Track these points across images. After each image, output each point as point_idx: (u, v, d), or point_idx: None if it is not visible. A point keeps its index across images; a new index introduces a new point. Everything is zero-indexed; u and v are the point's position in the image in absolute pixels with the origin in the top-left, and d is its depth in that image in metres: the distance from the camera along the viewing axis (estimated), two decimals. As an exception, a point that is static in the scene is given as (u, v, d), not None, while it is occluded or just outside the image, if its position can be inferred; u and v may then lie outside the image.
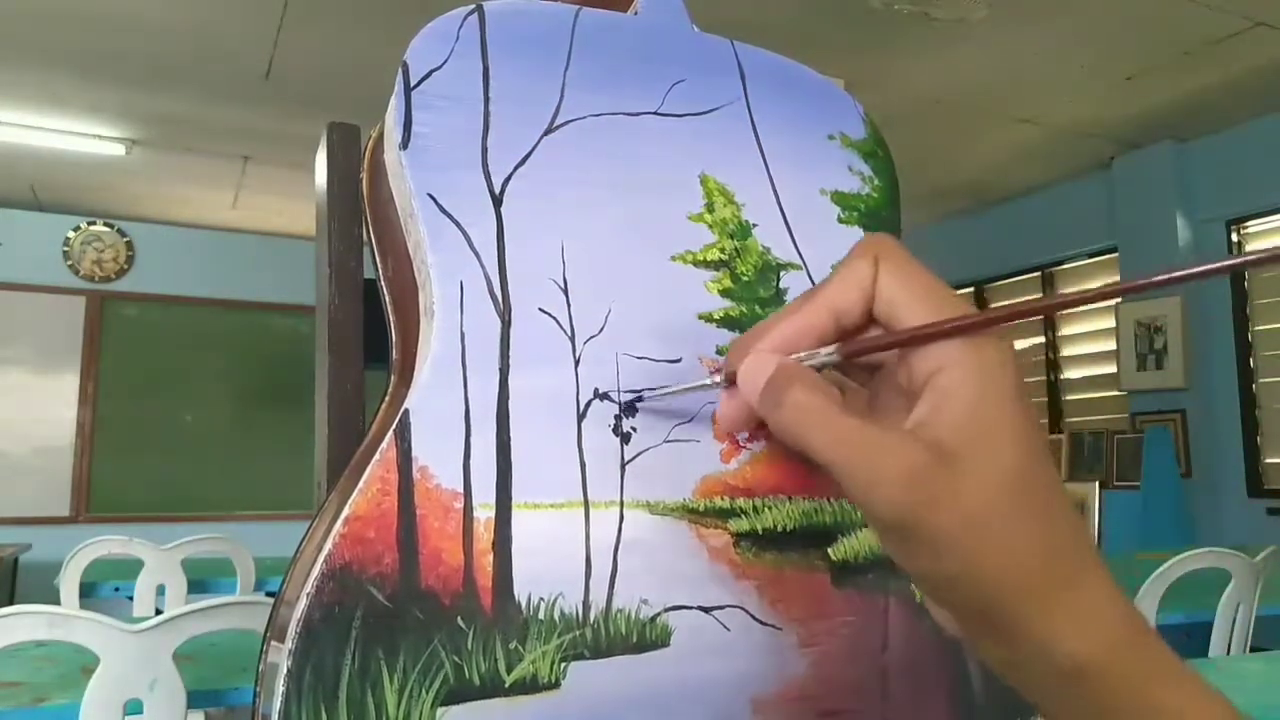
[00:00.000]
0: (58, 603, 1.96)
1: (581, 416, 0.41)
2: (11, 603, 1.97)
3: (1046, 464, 0.29)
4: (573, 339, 0.42)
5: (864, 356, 0.32)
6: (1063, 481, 0.31)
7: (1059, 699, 0.29)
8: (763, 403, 0.31)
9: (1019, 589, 0.27)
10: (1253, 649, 1.84)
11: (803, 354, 0.32)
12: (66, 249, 4.80)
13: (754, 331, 0.34)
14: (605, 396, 0.42)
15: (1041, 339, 4.53)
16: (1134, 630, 0.28)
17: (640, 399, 0.42)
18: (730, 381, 0.35)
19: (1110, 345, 4.10)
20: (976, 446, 0.28)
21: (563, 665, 0.38)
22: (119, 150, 3.95)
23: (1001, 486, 0.28)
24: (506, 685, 0.37)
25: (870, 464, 0.28)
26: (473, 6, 0.45)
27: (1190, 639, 1.87)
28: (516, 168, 0.43)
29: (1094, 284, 4.33)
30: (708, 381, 0.37)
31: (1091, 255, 4.29)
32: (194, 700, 1.20)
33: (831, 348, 0.32)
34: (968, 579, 0.28)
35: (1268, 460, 3.64)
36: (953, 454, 0.28)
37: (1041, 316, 0.30)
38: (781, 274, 0.49)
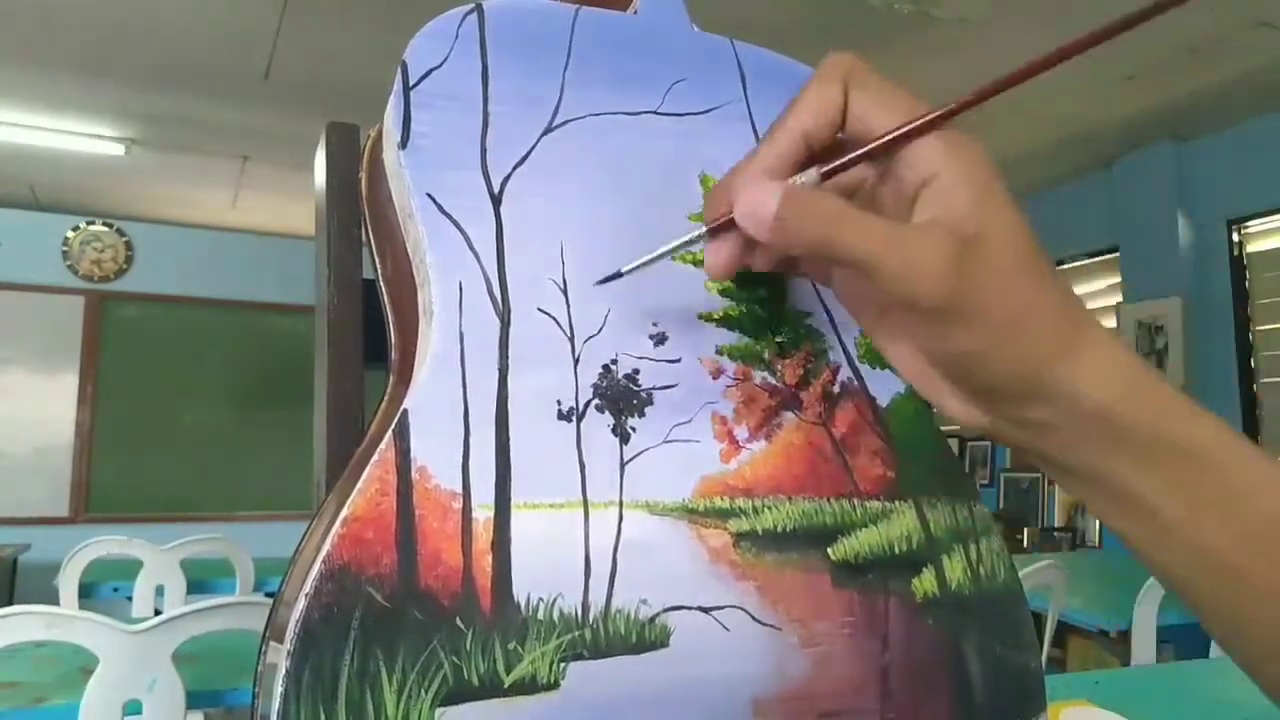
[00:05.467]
0: (57, 603, 1.96)
1: (581, 417, 0.41)
2: (10, 603, 1.97)
3: (1037, 239, 0.32)
4: (572, 339, 0.42)
5: (840, 174, 0.34)
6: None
7: (1093, 443, 0.31)
8: (779, 227, 0.32)
9: (1049, 348, 0.30)
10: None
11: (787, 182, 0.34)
12: (65, 249, 4.79)
13: (730, 176, 0.35)
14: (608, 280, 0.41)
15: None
16: (1145, 374, 0.31)
17: (619, 274, 0.41)
18: (715, 230, 0.36)
19: (1110, 345, 4.10)
20: (990, 229, 0.31)
21: (562, 666, 0.38)
22: (118, 150, 3.94)
23: (1019, 260, 0.31)
24: (505, 686, 0.37)
25: (909, 255, 0.30)
26: (472, 5, 0.45)
27: (1192, 639, 1.87)
28: (515, 167, 0.43)
29: (1095, 284, 4.32)
30: (691, 235, 0.37)
31: (1092, 255, 4.28)
32: (193, 701, 1.20)
33: (810, 172, 0.34)
34: (1005, 348, 0.31)
35: (1268, 460, 3.64)
36: (971, 240, 0.30)
37: (1012, 86, 0.32)
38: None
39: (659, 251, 0.39)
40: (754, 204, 0.33)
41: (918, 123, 0.32)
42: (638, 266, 0.40)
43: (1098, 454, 0.31)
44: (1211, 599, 0.31)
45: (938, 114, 0.32)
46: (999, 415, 0.32)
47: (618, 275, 0.41)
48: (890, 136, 0.32)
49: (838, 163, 0.33)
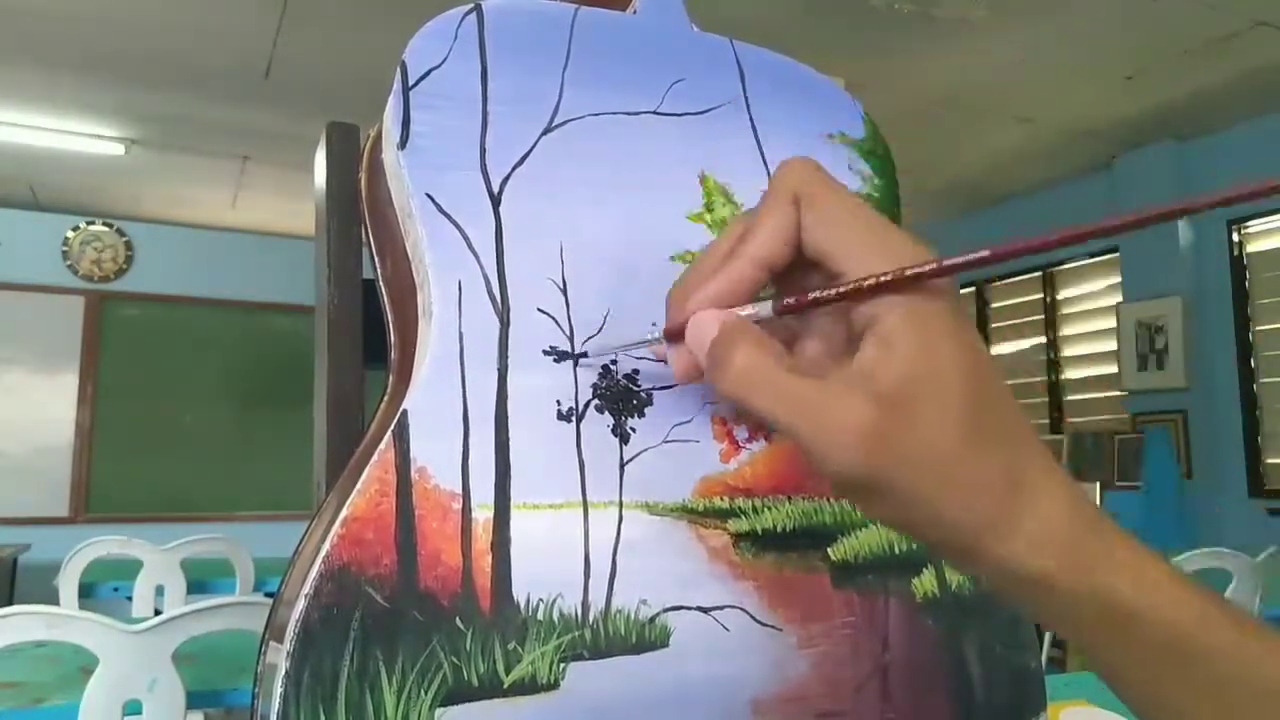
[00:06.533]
0: (57, 603, 1.96)
1: (580, 417, 0.41)
2: (10, 603, 1.96)
3: (995, 392, 0.29)
4: (571, 339, 0.42)
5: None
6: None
7: (1025, 601, 0.30)
8: (708, 365, 0.32)
9: (978, 525, 0.28)
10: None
11: (745, 310, 0.33)
12: (65, 249, 4.79)
13: (686, 283, 0.34)
14: (562, 354, 0.42)
15: (1042, 339, 4.52)
16: (1087, 525, 0.29)
17: (585, 354, 0.42)
18: (672, 337, 0.35)
19: (1111, 345, 4.10)
20: (923, 392, 0.28)
21: (562, 666, 0.38)
22: (118, 150, 3.94)
23: (952, 428, 0.28)
24: (505, 686, 0.37)
25: (819, 425, 0.28)
26: (471, 5, 0.45)
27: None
28: (515, 167, 0.43)
29: (1094, 284, 4.32)
30: (649, 337, 0.38)
31: (1092, 255, 4.28)
32: (193, 701, 1.20)
33: (767, 305, 0.32)
34: (929, 524, 0.28)
35: (1269, 460, 3.64)
36: (900, 403, 0.28)
37: (979, 268, 0.30)
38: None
39: (618, 346, 0.41)
40: (697, 333, 0.32)
41: (874, 284, 0.29)
42: (600, 355, 0.42)
43: (1035, 609, 0.30)
44: None
45: (896, 277, 0.29)
46: (933, 555, 0.31)
47: (584, 354, 0.42)
48: (843, 292, 0.30)
49: (787, 304, 0.32)
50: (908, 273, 0.28)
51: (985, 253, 0.29)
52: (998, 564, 0.28)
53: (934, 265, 0.28)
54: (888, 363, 0.28)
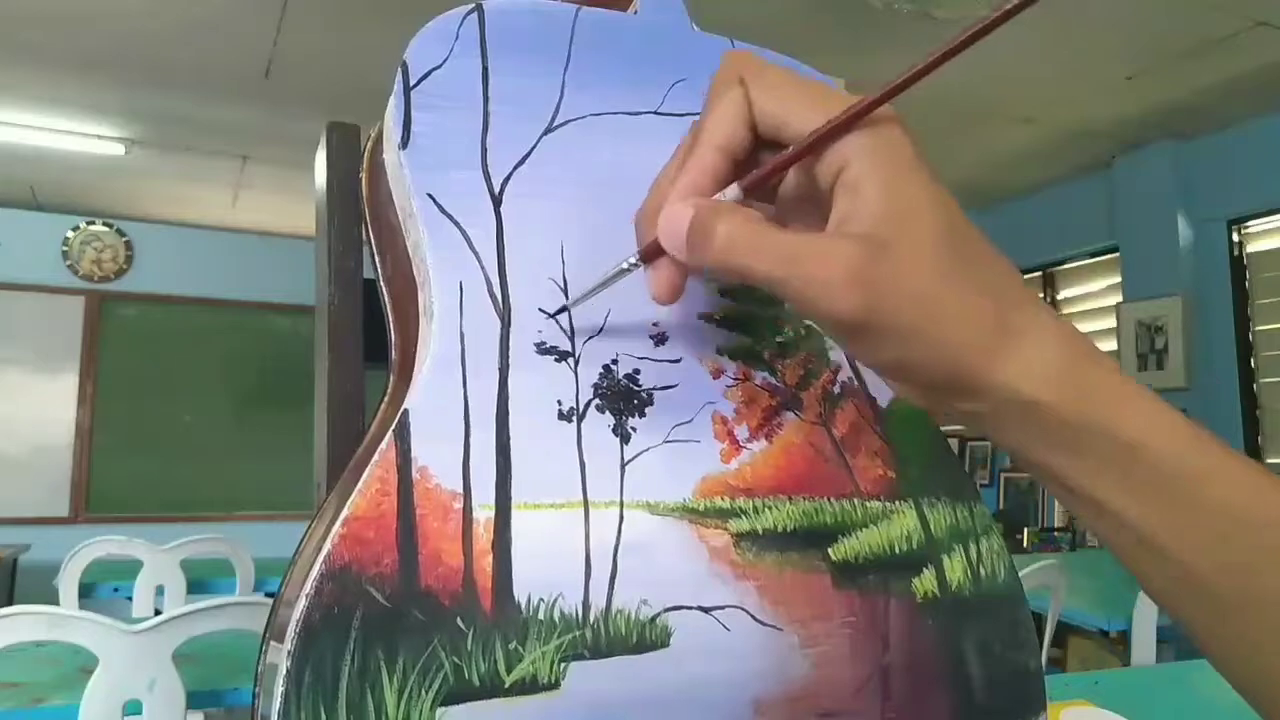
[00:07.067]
0: (57, 603, 1.96)
1: (581, 417, 0.41)
2: (10, 603, 1.96)
3: (965, 222, 0.30)
4: (572, 339, 0.42)
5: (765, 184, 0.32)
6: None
7: (1029, 436, 0.30)
8: (691, 246, 0.32)
9: (973, 349, 0.29)
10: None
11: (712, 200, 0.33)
12: (65, 249, 4.79)
13: (652, 198, 0.35)
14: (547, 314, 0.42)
15: (1041, 339, 4.53)
16: (1080, 361, 0.29)
17: (565, 310, 0.42)
18: (649, 257, 0.35)
19: (1111, 345, 4.10)
20: (901, 227, 0.29)
21: (562, 666, 0.38)
22: (118, 150, 3.94)
23: (935, 258, 0.29)
24: (506, 686, 0.37)
25: (813, 273, 0.29)
26: (472, 6, 0.45)
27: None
28: (516, 167, 0.43)
29: (1094, 284, 4.32)
30: (625, 265, 0.37)
31: (1092, 255, 4.28)
32: (193, 701, 1.20)
33: (731, 188, 0.32)
34: (927, 355, 0.29)
35: (1269, 461, 3.64)
36: (883, 241, 0.28)
37: (909, 87, 0.30)
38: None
39: (597, 283, 0.40)
40: (670, 225, 0.32)
41: (825, 129, 0.30)
42: (581, 299, 0.41)
43: (1034, 445, 0.30)
44: (1166, 592, 0.30)
45: (843, 118, 0.29)
46: (939, 407, 0.31)
47: (564, 310, 0.42)
48: (800, 148, 0.30)
49: (752, 176, 0.32)
50: (855, 108, 0.29)
51: (911, 72, 0.30)
52: (996, 392, 0.29)
53: (874, 97, 0.29)
54: (859, 206, 0.29)
